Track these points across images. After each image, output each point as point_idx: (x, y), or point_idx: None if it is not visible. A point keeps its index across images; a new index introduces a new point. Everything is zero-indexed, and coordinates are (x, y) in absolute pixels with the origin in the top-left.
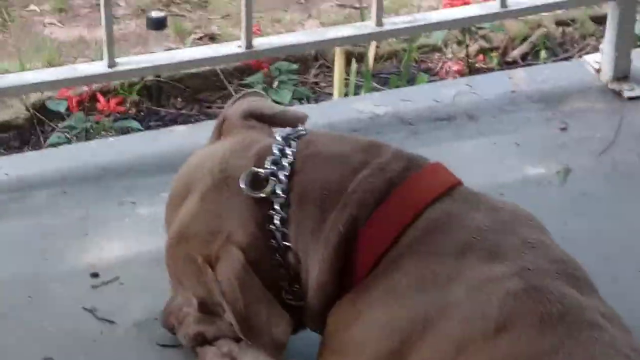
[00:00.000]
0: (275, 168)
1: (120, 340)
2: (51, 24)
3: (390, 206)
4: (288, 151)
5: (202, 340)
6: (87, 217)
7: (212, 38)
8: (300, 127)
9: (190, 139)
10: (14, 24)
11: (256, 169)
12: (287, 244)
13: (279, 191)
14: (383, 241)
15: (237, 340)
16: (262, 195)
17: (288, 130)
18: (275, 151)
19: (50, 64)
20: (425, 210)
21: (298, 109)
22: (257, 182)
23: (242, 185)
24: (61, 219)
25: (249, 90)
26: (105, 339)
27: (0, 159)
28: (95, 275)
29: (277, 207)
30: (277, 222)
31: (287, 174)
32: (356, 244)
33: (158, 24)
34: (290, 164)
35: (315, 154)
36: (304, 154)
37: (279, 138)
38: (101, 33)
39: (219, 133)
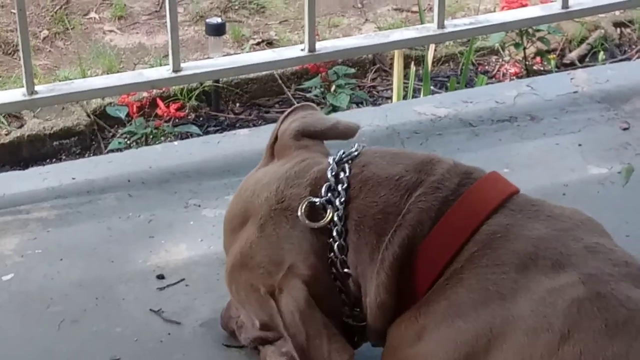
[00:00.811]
0: (330, 195)
1: (186, 341)
2: (110, 31)
3: (447, 223)
4: (342, 176)
5: (263, 342)
6: (153, 220)
7: (270, 43)
8: (353, 148)
9: (252, 143)
10: (74, 32)
11: (313, 199)
12: (347, 270)
13: (336, 219)
14: (441, 258)
15: None
16: (320, 225)
17: (341, 152)
18: (330, 177)
19: (110, 71)
20: (482, 224)
21: (359, 112)
22: (314, 211)
23: (301, 217)
24: (127, 222)
25: (301, 103)
26: (172, 340)
27: (66, 164)
28: (161, 277)
29: (335, 235)
30: (336, 250)
31: (343, 200)
32: (414, 263)
33: (217, 30)
34: (345, 189)
35: (369, 178)
36: (358, 178)
37: (332, 162)
38: (160, 40)
39: (271, 152)
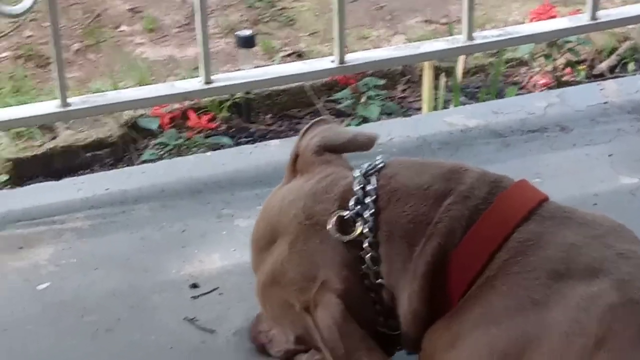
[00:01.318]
0: (359, 208)
1: (221, 349)
2: (141, 43)
3: (478, 232)
4: (369, 188)
5: (294, 355)
6: (186, 230)
7: (300, 55)
8: (377, 159)
9: (283, 153)
10: (105, 45)
11: (342, 213)
12: (380, 281)
13: (366, 231)
14: (473, 266)
15: None
16: (352, 238)
17: (366, 165)
18: (357, 190)
19: (141, 83)
20: (513, 232)
21: (389, 123)
22: (344, 225)
23: (331, 231)
24: (161, 232)
25: (316, 119)
26: (206, 348)
27: (100, 174)
28: (195, 286)
29: (366, 246)
30: (368, 262)
31: (372, 212)
32: (447, 271)
33: (247, 42)
34: (374, 201)
35: (397, 189)
36: (386, 189)
37: (358, 175)
38: (190, 52)
39: (293, 169)
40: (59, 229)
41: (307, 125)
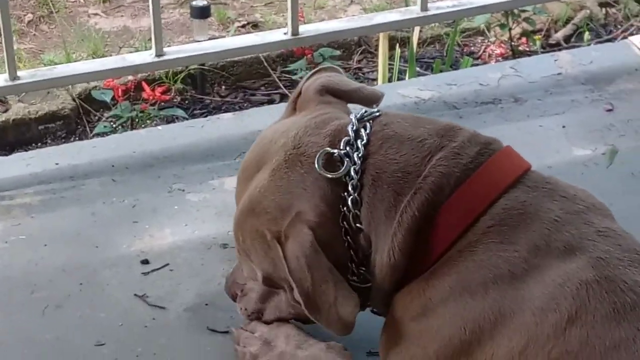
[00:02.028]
0: (349, 149)
1: (171, 326)
2: (95, 14)
3: (465, 193)
4: (363, 133)
5: (257, 317)
6: (137, 205)
7: (255, 25)
8: (374, 108)
9: (236, 127)
10: (58, 15)
11: (330, 150)
12: (359, 225)
13: (352, 173)
14: (456, 228)
15: (302, 321)
16: (336, 176)
17: (362, 111)
18: (350, 132)
19: (95, 54)
20: (499, 198)
21: None
22: (330, 162)
23: (316, 165)
24: (111, 207)
25: (326, 65)
26: (156, 325)
27: (50, 149)
28: (145, 262)
29: (350, 188)
30: (349, 203)
31: (361, 155)
32: (429, 228)
33: (202, 13)
34: (365, 145)
35: (389, 137)
36: (378, 135)
37: (353, 119)
38: (145, 23)
39: (293, 107)
40: (7, 205)
41: (314, 70)
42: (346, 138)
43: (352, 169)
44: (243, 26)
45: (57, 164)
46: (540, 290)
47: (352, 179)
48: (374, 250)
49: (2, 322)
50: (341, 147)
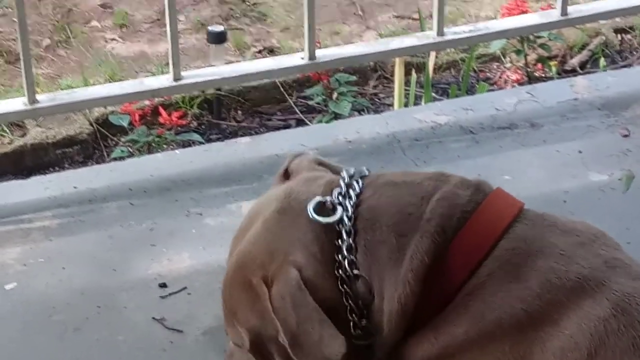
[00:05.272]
0: (342, 199)
1: (189, 349)
2: (112, 39)
3: (469, 235)
4: (355, 184)
5: None
6: (154, 229)
7: (272, 51)
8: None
9: (254, 151)
10: (76, 40)
11: (322, 198)
12: (357, 272)
13: (345, 219)
14: (463, 271)
15: None
16: (329, 221)
17: (352, 169)
18: (342, 184)
19: (112, 79)
20: (500, 239)
21: (360, 120)
22: (323, 210)
23: (308, 210)
24: (129, 230)
25: (296, 152)
26: (174, 348)
27: (68, 173)
28: (163, 285)
29: (344, 235)
30: (344, 251)
31: (353, 203)
32: (436, 272)
33: (218, 38)
34: (357, 195)
35: (383, 184)
36: (371, 185)
37: (345, 174)
38: (162, 48)
39: (281, 180)
40: (26, 228)
41: (289, 157)
42: (338, 189)
43: (344, 215)
44: (259, 52)
45: (75, 187)
46: (558, 328)
47: (346, 225)
48: (378, 296)
49: (21, 345)
50: (334, 197)
